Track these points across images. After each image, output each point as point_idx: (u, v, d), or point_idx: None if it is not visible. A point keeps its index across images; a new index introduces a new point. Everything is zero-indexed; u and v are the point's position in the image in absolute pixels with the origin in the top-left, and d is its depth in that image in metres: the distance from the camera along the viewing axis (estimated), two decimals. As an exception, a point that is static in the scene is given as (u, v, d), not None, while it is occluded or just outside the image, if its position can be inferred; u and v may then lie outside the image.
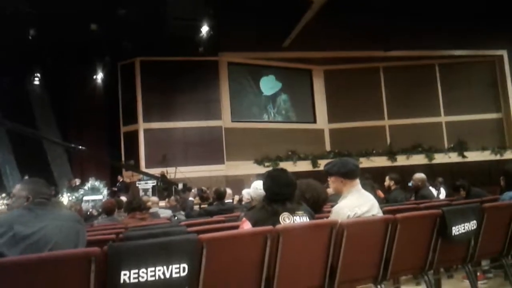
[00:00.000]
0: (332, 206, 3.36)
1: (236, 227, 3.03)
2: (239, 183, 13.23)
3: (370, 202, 3.14)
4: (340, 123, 17.57)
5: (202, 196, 9.89)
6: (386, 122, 17.64)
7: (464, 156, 16.55)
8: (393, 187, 6.30)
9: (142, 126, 15.31)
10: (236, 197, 8.62)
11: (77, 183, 14.32)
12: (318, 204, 3.56)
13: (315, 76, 18.10)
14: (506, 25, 15.11)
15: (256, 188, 4.07)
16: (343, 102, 17.43)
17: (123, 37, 13.86)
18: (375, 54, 16.63)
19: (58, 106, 16.45)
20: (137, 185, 13.67)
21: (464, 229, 3.32)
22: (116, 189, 14.21)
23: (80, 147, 13.84)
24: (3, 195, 12.07)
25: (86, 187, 13.87)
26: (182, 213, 7.40)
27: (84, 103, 16.36)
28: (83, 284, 2.12)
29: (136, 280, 2.15)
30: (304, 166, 15.66)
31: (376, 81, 17.75)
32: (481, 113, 17.33)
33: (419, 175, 6.35)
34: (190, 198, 8.48)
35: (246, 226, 2.80)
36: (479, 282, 4.36)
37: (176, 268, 2.25)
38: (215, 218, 4.91)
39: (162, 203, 9.51)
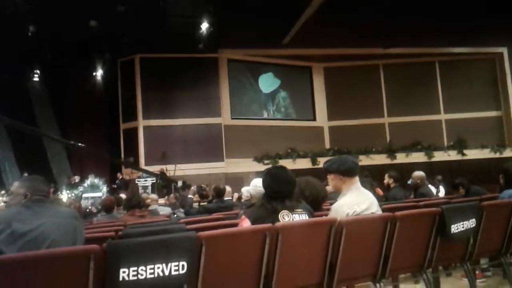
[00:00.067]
0: (331, 204, 3.36)
1: (235, 225, 3.03)
2: (238, 180, 13.22)
3: (369, 200, 3.14)
4: (340, 121, 17.57)
5: (202, 194, 9.89)
6: (386, 120, 17.64)
7: (463, 154, 16.55)
8: (392, 185, 6.30)
9: (141, 123, 15.30)
10: (236, 195, 8.61)
11: (77, 180, 14.34)
12: (317, 201, 3.56)
13: (315, 73, 18.09)
14: (506, 22, 15.09)
15: (255, 186, 4.08)
16: (343, 100, 17.42)
17: (123, 34, 13.84)
18: (375, 51, 16.60)
19: (58, 103, 16.45)
20: (136, 182, 13.67)
21: (463, 227, 3.33)
22: (115, 186, 14.23)
23: (80, 144, 13.83)
24: (3, 192, 12.08)
25: (85, 184, 13.89)
26: (182, 210, 7.40)
27: (83, 100, 16.36)
28: (82, 281, 2.12)
29: (135, 278, 2.16)
30: (303, 163, 15.66)
31: (376, 78, 17.74)
32: (481, 111, 17.32)
33: (418, 173, 6.35)
34: (190, 196, 8.50)
35: (245, 223, 2.80)
36: (477, 281, 4.37)
37: (175, 266, 2.25)
38: (214, 215, 4.91)
39: (161, 201, 9.51)
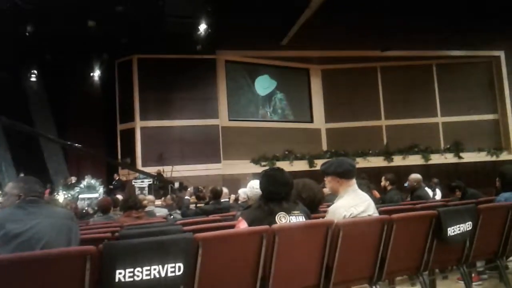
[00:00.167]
0: (328, 206, 3.35)
1: (232, 227, 3.02)
2: (235, 182, 13.22)
3: (366, 202, 3.14)
4: (337, 123, 17.60)
5: (198, 196, 9.88)
6: (383, 122, 17.67)
7: (460, 157, 16.61)
8: (388, 188, 6.30)
9: (138, 124, 15.28)
10: (233, 196, 8.61)
11: (73, 181, 14.31)
12: (314, 203, 3.56)
13: (312, 75, 18.12)
14: (503, 26, 15.15)
15: (252, 187, 4.08)
16: (340, 102, 17.47)
17: (121, 34, 13.82)
18: (373, 54, 16.66)
19: (55, 103, 16.41)
20: (133, 183, 13.64)
21: (459, 230, 3.33)
22: (112, 187, 14.20)
23: (76, 144, 13.80)
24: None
25: (82, 185, 13.86)
26: (178, 212, 7.39)
27: (81, 100, 16.33)
28: (77, 282, 2.11)
29: (131, 279, 2.15)
30: (300, 165, 15.68)
31: (374, 81, 17.79)
32: (477, 114, 17.38)
33: (415, 176, 6.35)
34: (186, 197, 8.48)
35: (242, 225, 2.79)
36: (474, 284, 4.37)
37: (171, 267, 2.24)
38: (211, 217, 4.91)
39: (158, 202, 9.50)
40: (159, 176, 13.90)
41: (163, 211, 7.28)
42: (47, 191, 12.42)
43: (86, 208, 11.35)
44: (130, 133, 15.41)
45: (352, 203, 3.04)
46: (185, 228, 3.28)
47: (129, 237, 2.70)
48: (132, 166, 14.75)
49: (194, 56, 14.93)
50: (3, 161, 15.20)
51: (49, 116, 16.33)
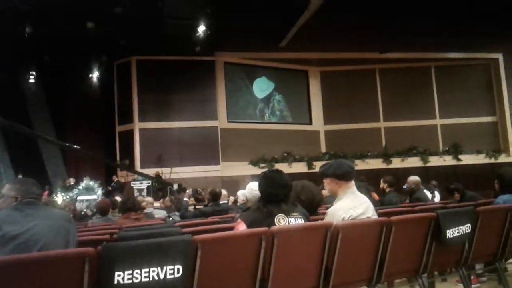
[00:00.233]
0: (327, 208, 3.35)
1: (231, 228, 3.02)
2: (234, 184, 13.21)
3: (365, 204, 3.14)
4: (336, 125, 17.60)
5: (197, 198, 9.87)
6: (382, 124, 17.68)
7: (458, 159, 16.62)
8: (387, 190, 6.31)
9: (137, 125, 15.26)
10: (231, 198, 8.60)
11: (72, 183, 14.29)
12: (313, 205, 3.57)
13: (311, 77, 18.12)
14: (502, 28, 15.18)
15: (251, 189, 4.08)
16: (339, 104, 17.47)
17: (120, 36, 13.81)
18: (371, 56, 16.68)
19: (54, 105, 16.39)
20: (132, 185, 13.62)
21: (458, 232, 3.33)
22: (110, 189, 14.18)
23: (75, 146, 13.78)
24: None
25: (80, 187, 13.84)
26: (177, 213, 7.37)
27: (79, 102, 16.33)
28: (76, 284, 2.11)
29: (130, 281, 2.14)
30: (299, 167, 15.67)
31: (372, 83, 17.80)
32: (476, 116, 17.41)
33: (413, 178, 6.36)
34: (185, 199, 8.46)
35: (241, 227, 2.79)
36: (473, 286, 4.37)
37: (170, 269, 2.24)
38: (210, 219, 4.90)
39: (156, 204, 9.49)
40: (157, 178, 13.88)
41: (162, 213, 7.27)
42: (46, 192, 12.41)
43: (84, 210, 11.32)
44: (129, 134, 15.39)
45: (351, 205, 3.05)
46: (184, 230, 3.29)
47: (128, 239, 2.70)
48: (130, 167, 14.74)
49: (193, 58, 14.93)
50: (1, 163, 15.16)
51: (47, 118, 16.31)
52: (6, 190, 2.64)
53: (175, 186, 13.46)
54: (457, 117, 17.35)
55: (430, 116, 17.64)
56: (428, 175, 13.09)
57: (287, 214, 2.85)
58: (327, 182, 3.21)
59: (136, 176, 14.03)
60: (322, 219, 3.23)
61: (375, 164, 16.18)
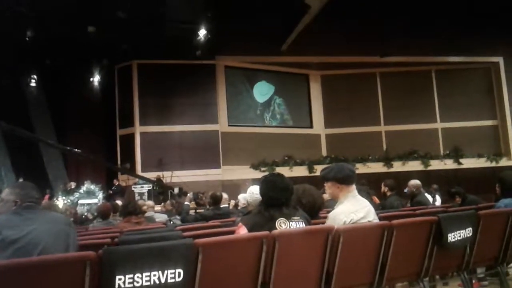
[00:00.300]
0: (328, 212, 3.35)
1: (232, 232, 3.01)
2: (235, 187, 13.21)
3: (366, 208, 3.13)
4: (337, 129, 17.60)
5: (198, 202, 9.87)
6: (383, 128, 17.68)
7: (459, 163, 16.60)
8: (388, 193, 6.29)
9: (138, 129, 15.28)
10: (232, 202, 8.60)
11: (73, 186, 14.28)
12: (314, 209, 3.56)
13: (312, 81, 18.14)
14: (502, 32, 15.21)
15: (252, 193, 4.08)
16: (340, 108, 17.48)
17: (121, 40, 13.84)
18: (372, 60, 16.70)
19: (55, 108, 16.40)
20: (132, 188, 13.62)
21: (460, 236, 3.33)
22: (111, 192, 14.17)
23: (76, 150, 13.79)
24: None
25: (81, 191, 13.84)
26: (178, 217, 7.37)
27: (80, 106, 16.34)
28: (77, 288, 2.11)
29: (131, 285, 2.14)
30: (300, 171, 15.67)
31: (373, 86, 17.81)
32: (477, 120, 17.40)
33: (414, 182, 6.35)
34: (186, 203, 8.46)
35: (242, 231, 2.79)
36: (474, 290, 4.36)
37: (171, 273, 2.23)
38: (211, 223, 4.90)
39: (157, 207, 9.48)
40: (158, 182, 13.89)
41: (163, 217, 7.26)
42: (47, 196, 12.41)
43: (85, 214, 11.35)
44: (130, 138, 15.40)
45: (352, 209, 3.04)
46: (185, 233, 3.28)
47: (129, 242, 2.69)
48: (131, 171, 14.74)
49: (193, 62, 14.96)
50: (2, 167, 15.17)
51: (48, 121, 16.32)
52: (6, 194, 2.63)
53: (176, 190, 13.46)
54: (458, 120, 17.34)
55: (431, 120, 17.63)
56: (429, 178, 13.08)
57: (288, 218, 2.85)
58: (328, 186, 3.20)
59: (137, 179, 14.04)
60: (323, 223, 3.23)
61: (376, 167, 16.16)
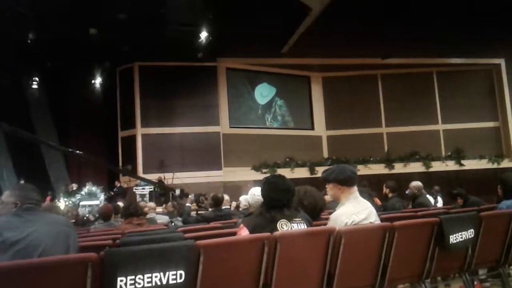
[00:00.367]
0: (330, 213, 3.35)
1: (234, 234, 3.02)
2: (236, 189, 13.21)
3: (368, 210, 3.13)
4: (338, 130, 17.61)
5: (200, 205, 9.87)
6: (384, 130, 17.67)
7: (461, 165, 16.58)
8: (390, 195, 6.29)
9: (140, 131, 15.29)
10: (234, 204, 8.60)
11: (74, 188, 14.27)
12: (316, 211, 3.55)
13: (313, 82, 18.15)
14: (504, 34, 15.18)
15: (254, 195, 4.07)
16: (341, 109, 17.49)
17: (122, 42, 13.86)
18: (374, 61, 16.71)
19: (56, 110, 16.41)
20: (134, 190, 13.61)
21: (461, 237, 3.32)
22: (113, 194, 14.17)
23: (78, 151, 13.79)
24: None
25: (83, 192, 13.83)
26: (179, 219, 7.37)
27: (82, 108, 16.34)
28: (79, 290, 2.11)
29: (132, 287, 2.14)
30: (301, 173, 15.67)
31: (374, 88, 17.82)
32: (478, 122, 17.39)
33: (416, 183, 6.35)
34: (187, 204, 8.46)
35: (244, 232, 2.79)
36: (476, 291, 4.35)
37: (173, 275, 2.24)
38: (212, 224, 4.89)
39: (159, 209, 9.50)
40: (160, 183, 13.89)
41: (164, 218, 7.27)
42: (49, 198, 12.42)
43: (87, 215, 11.34)
44: (131, 140, 15.41)
45: (354, 211, 3.04)
46: (186, 235, 3.28)
47: (131, 244, 2.69)
48: (133, 173, 14.74)
49: (195, 64, 14.97)
50: (4, 168, 15.18)
51: (50, 123, 16.33)
52: (6, 196, 2.64)
53: (178, 192, 13.45)
54: (459, 122, 17.33)
55: (432, 121, 17.62)
56: (430, 180, 13.06)
57: (290, 219, 2.85)
58: (329, 187, 3.21)
59: (138, 181, 14.04)
60: (324, 224, 3.23)
61: (378, 169, 16.15)
